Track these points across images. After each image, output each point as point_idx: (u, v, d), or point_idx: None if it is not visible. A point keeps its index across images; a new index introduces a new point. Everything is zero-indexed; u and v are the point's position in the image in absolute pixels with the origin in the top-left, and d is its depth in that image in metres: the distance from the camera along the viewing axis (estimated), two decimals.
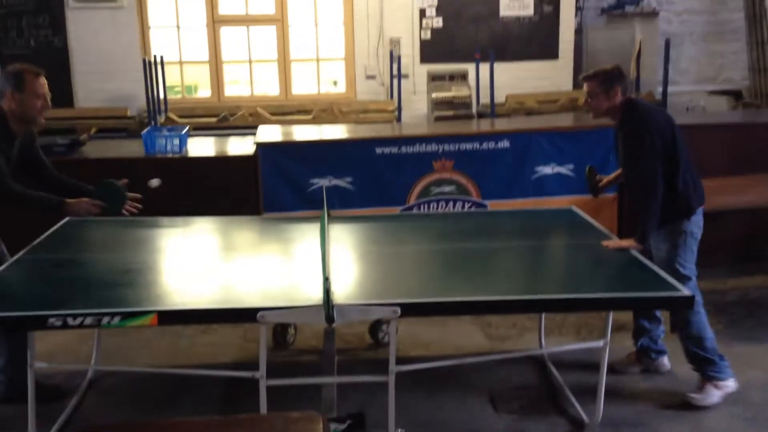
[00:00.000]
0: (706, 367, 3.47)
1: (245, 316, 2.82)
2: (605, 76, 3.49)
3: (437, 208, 5.15)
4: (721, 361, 3.47)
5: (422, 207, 5.14)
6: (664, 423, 3.34)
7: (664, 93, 6.93)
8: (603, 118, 3.63)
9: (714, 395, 3.46)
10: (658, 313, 3.77)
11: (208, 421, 2.09)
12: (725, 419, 3.37)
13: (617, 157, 3.72)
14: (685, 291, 2.93)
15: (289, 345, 4.23)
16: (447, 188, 5.17)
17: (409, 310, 2.86)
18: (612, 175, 3.93)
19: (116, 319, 2.67)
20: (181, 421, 2.13)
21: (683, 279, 3.33)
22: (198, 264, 3.39)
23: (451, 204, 5.17)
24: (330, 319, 2.72)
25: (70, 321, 2.64)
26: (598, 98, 3.51)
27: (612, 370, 3.70)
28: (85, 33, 7.96)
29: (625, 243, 3.42)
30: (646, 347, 3.80)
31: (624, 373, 3.76)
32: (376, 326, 4.22)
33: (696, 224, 3.48)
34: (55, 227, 3.78)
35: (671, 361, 3.80)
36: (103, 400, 3.62)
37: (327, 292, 2.75)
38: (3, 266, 3.22)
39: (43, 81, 3.53)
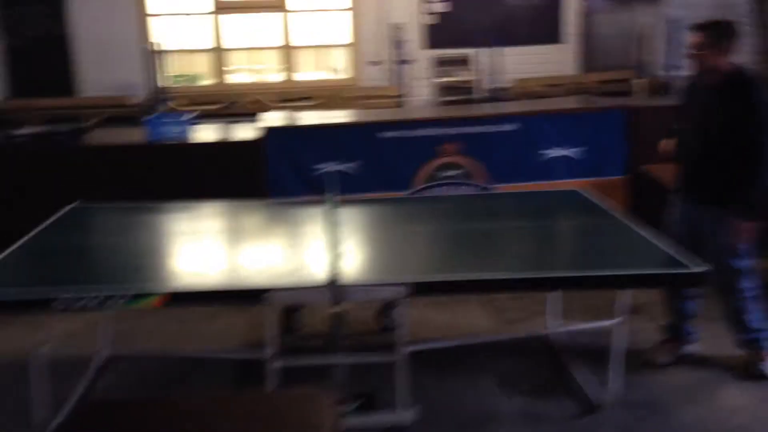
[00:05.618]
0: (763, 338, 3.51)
1: (252, 297, 2.79)
2: (718, 30, 3.29)
3: (444, 192, 5.10)
4: None
5: (428, 191, 5.10)
6: (681, 405, 3.30)
7: (669, 77, 6.87)
8: (706, 72, 3.38)
9: None
10: (693, 293, 3.69)
11: (213, 398, 2.06)
12: (743, 398, 3.35)
13: (693, 118, 3.48)
14: (695, 268, 2.89)
15: (296, 331, 4.20)
16: (453, 172, 5.13)
17: (417, 289, 2.82)
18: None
19: (122, 301, 2.65)
20: (188, 398, 2.11)
21: (745, 258, 3.39)
22: (204, 247, 3.36)
23: (457, 188, 5.13)
24: (337, 298, 2.69)
25: (76, 304, 2.62)
26: (705, 51, 3.28)
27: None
28: (85, 21, 7.90)
29: (745, 230, 3.32)
30: (678, 330, 3.73)
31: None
32: (384, 311, 4.19)
33: None
34: (61, 212, 3.76)
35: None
36: (113, 384, 3.60)
37: (333, 271, 2.72)
38: (8, 250, 3.19)
39: None
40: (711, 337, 3.83)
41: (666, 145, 3.66)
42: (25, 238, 3.34)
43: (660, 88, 7.09)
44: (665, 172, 4.02)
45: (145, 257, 3.16)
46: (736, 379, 3.50)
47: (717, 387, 3.44)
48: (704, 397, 3.35)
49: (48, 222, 3.57)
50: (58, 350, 3.46)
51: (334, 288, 2.69)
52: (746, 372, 3.50)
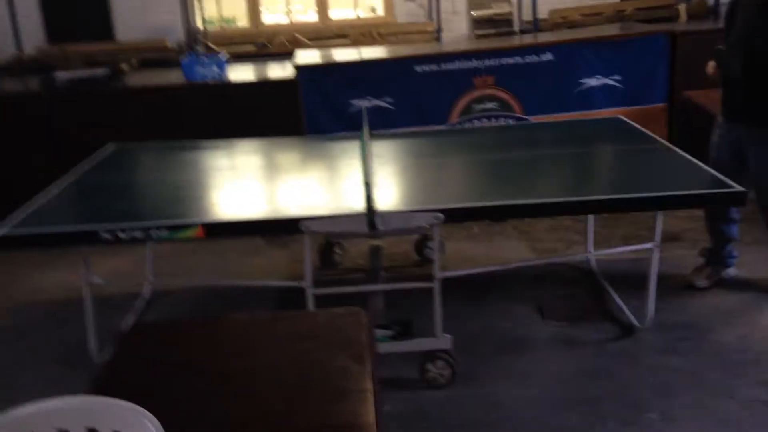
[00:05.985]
0: None
1: (289, 226, 2.83)
2: None
3: (480, 125, 5.06)
4: None
5: (464, 125, 5.06)
6: (720, 326, 3.29)
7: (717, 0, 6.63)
8: None
9: None
10: (735, 216, 3.62)
11: (255, 316, 2.13)
12: None
13: (736, 36, 3.35)
14: (736, 188, 2.84)
15: (336, 265, 4.27)
16: (489, 105, 5.06)
17: (453, 215, 2.84)
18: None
19: (164, 232, 2.72)
20: (230, 317, 2.18)
21: None
22: (243, 181, 3.41)
23: (494, 121, 5.08)
24: (372, 225, 2.72)
25: (120, 234, 2.70)
26: None
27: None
28: None
29: None
30: (719, 254, 3.68)
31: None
32: (421, 243, 4.22)
33: None
34: (100, 152, 3.84)
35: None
36: (160, 317, 3.72)
37: (368, 197, 2.74)
38: (52, 188, 3.28)
39: None
40: (752, 261, 3.78)
41: (711, 66, 3.55)
42: (67, 177, 3.42)
43: (706, 12, 6.83)
44: (708, 98, 3.92)
45: (185, 191, 3.22)
46: None
47: (757, 309, 3.42)
48: (743, 319, 3.33)
49: (88, 162, 3.66)
50: (106, 287, 3.60)
51: (370, 215, 2.71)
52: None
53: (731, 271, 3.70)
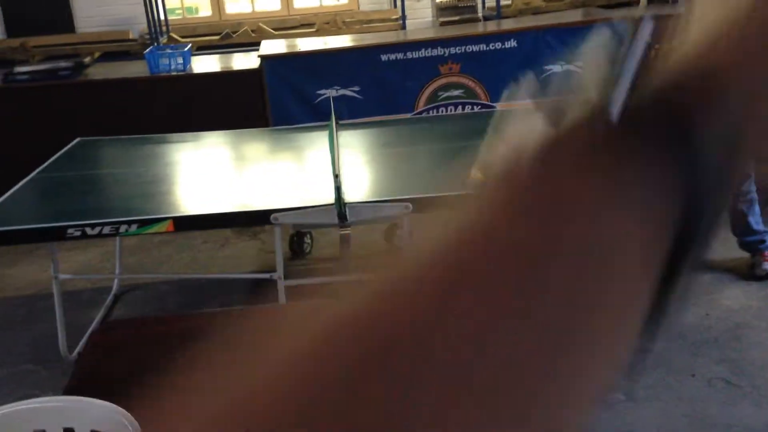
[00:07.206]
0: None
1: (259, 218, 2.86)
2: None
3: (446, 112, 5.10)
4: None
5: (431, 112, 5.09)
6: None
7: None
8: None
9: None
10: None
11: (227, 312, 2.15)
12: (744, 298, 3.43)
13: None
14: None
15: (306, 254, 4.28)
16: (455, 92, 5.10)
17: (422, 205, 2.87)
18: None
19: (134, 227, 2.72)
20: (201, 313, 2.19)
21: None
22: (211, 174, 3.41)
23: (459, 108, 5.12)
24: (342, 216, 2.75)
25: (88, 231, 2.69)
26: None
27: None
28: None
29: None
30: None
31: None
32: (391, 231, 4.25)
33: None
34: (66, 148, 3.80)
35: None
36: (130, 312, 3.72)
37: (338, 189, 2.76)
38: (19, 184, 3.25)
39: None
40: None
41: None
42: (33, 174, 3.39)
43: None
44: None
45: (153, 186, 3.21)
46: (737, 280, 3.57)
47: (717, 288, 3.51)
48: (705, 298, 3.43)
49: (54, 158, 3.62)
50: (76, 281, 3.58)
51: (340, 207, 2.74)
52: (749, 273, 3.57)
53: None
